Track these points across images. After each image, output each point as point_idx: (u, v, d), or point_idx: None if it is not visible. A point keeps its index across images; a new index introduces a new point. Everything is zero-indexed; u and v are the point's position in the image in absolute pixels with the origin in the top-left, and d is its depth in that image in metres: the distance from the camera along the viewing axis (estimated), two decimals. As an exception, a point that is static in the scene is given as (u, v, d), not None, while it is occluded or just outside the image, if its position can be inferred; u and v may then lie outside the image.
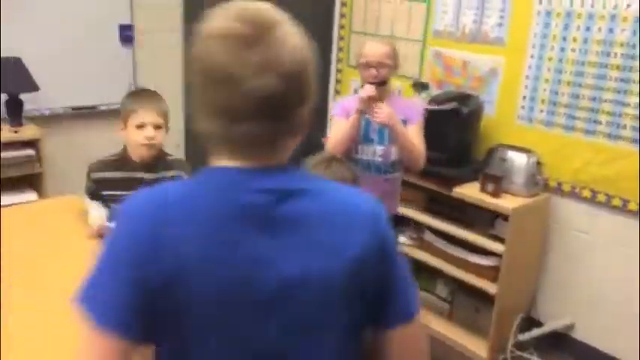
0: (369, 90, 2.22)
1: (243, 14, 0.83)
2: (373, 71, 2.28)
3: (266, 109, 0.81)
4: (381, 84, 2.27)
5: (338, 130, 2.32)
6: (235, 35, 0.80)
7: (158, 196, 0.88)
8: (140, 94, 2.10)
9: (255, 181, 0.84)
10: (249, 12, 0.83)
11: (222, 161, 0.87)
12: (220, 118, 0.83)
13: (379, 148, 2.33)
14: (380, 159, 2.33)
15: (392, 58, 2.34)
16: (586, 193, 2.54)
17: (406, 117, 2.32)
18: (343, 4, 3.39)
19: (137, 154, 2.01)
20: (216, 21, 0.84)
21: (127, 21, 3.16)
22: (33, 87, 2.78)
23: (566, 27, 2.51)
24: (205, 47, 0.83)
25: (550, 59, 2.59)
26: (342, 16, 3.42)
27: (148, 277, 0.80)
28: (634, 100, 2.36)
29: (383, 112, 2.20)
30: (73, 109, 3.09)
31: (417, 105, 2.49)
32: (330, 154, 1.66)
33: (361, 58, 2.33)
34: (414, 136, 2.31)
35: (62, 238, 1.96)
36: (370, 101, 2.21)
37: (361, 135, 2.31)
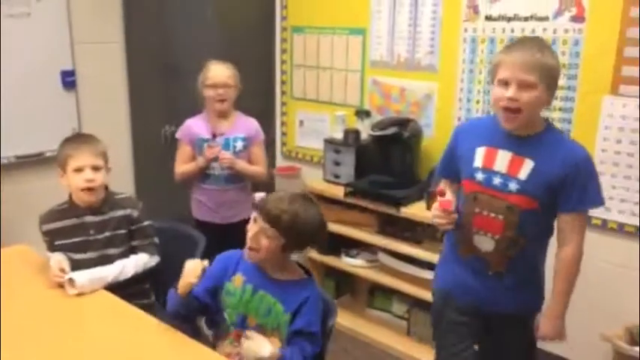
0: (212, 152, 2.54)
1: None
2: (220, 91, 2.55)
3: None
4: (214, 136, 2.58)
5: (184, 164, 2.65)
6: None
7: None
8: (74, 139, 2.11)
9: None
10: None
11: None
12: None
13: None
14: (227, 171, 2.60)
15: (234, 79, 2.60)
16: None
17: (248, 135, 2.66)
18: (283, 40, 3.52)
19: (80, 198, 2.01)
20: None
21: (68, 67, 3.17)
22: (-26, 138, 2.73)
23: (490, 52, 2.71)
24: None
25: (479, 82, 2.78)
26: (283, 51, 3.54)
27: None
28: (557, 115, 2.57)
29: (226, 159, 2.54)
30: (17, 157, 3.04)
31: (256, 124, 2.75)
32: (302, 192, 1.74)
33: (207, 80, 2.58)
34: (258, 155, 2.69)
35: (16, 289, 1.92)
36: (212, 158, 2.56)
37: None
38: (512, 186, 1.68)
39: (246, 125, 2.68)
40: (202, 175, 2.63)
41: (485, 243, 1.75)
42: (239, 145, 2.62)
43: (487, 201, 1.72)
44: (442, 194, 1.75)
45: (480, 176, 1.72)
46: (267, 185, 2.97)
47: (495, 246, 1.74)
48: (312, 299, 1.64)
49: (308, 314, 1.61)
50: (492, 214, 1.72)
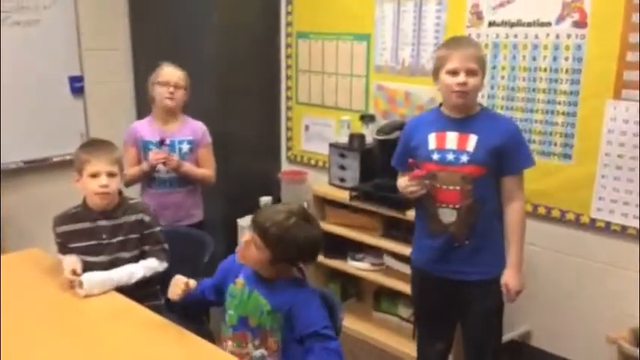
0: (156, 157, 2.51)
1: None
2: (171, 89, 2.57)
3: None
4: (162, 142, 2.57)
5: (131, 169, 2.60)
6: None
7: None
8: (93, 144, 2.14)
9: None
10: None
11: None
12: None
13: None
14: (172, 175, 2.59)
15: (185, 81, 2.63)
16: (528, 207, 2.73)
17: (195, 137, 2.66)
18: (288, 46, 3.56)
19: (94, 203, 2.05)
20: None
21: (76, 72, 3.21)
22: (-16, 144, 2.76)
23: (494, 56, 2.74)
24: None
25: (482, 86, 2.81)
26: (288, 57, 3.58)
27: None
28: (561, 119, 2.59)
29: (172, 162, 2.52)
30: (25, 162, 3.08)
31: (204, 127, 2.75)
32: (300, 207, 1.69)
33: (159, 78, 2.61)
34: (206, 158, 2.69)
35: (31, 291, 1.96)
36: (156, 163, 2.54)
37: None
38: (464, 158, 2.00)
39: (192, 128, 2.67)
40: (149, 178, 2.62)
41: (448, 215, 2.04)
42: (185, 147, 2.62)
43: (445, 176, 2.02)
44: (414, 166, 2.03)
45: (436, 156, 2.03)
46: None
47: (457, 215, 2.02)
48: (305, 298, 1.62)
49: (309, 314, 1.59)
50: (451, 187, 2.02)
